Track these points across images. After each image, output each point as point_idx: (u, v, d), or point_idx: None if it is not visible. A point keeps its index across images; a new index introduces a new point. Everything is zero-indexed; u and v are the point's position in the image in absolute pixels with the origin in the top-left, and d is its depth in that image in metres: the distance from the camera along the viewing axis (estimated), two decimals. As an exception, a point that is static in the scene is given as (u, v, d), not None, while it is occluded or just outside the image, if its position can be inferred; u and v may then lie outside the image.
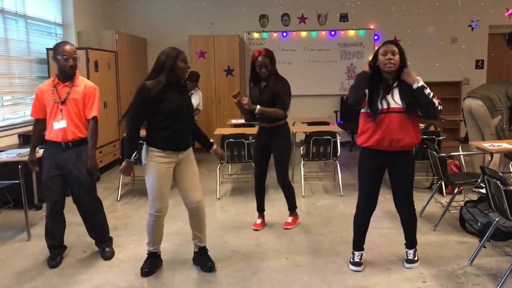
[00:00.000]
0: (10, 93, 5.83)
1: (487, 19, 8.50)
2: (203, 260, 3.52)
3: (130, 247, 3.96)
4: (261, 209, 4.51)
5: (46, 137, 3.59)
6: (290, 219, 4.49)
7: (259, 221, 4.48)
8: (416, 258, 3.49)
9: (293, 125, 7.04)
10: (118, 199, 5.49)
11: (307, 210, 4.98)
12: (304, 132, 5.98)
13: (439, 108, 3.15)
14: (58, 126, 3.51)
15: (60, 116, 3.51)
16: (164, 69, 3.15)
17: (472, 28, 8.53)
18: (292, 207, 4.51)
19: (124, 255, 3.81)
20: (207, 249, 3.57)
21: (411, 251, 3.50)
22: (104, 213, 3.85)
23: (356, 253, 3.50)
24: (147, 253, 3.50)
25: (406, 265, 3.47)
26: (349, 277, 3.34)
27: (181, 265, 3.59)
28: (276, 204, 5.04)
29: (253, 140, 6.17)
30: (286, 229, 4.38)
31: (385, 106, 3.17)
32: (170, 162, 3.28)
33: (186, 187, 3.37)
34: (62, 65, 3.51)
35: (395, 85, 3.21)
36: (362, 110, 3.32)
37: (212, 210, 5.02)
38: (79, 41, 7.27)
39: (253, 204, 4.54)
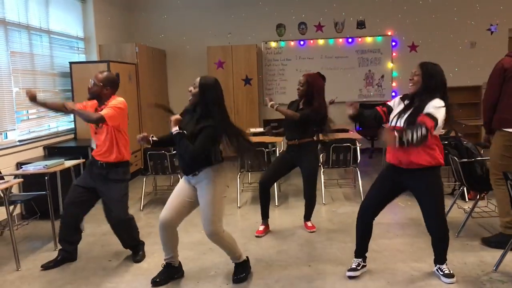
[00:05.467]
0: (35, 107, 5.98)
1: (507, 22, 8.41)
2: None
3: (154, 256, 4.02)
4: (266, 215, 4.53)
5: (92, 154, 3.89)
6: (310, 223, 4.56)
7: (261, 227, 4.51)
8: (452, 272, 3.34)
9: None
10: (141, 208, 5.58)
11: (328, 217, 4.99)
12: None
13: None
14: (94, 147, 3.84)
15: (95, 139, 3.80)
16: None
17: (492, 32, 8.45)
18: (310, 216, 4.59)
19: (148, 264, 3.88)
20: (240, 263, 3.49)
21: (444, 266, 3.35)
22: (134, 224, 3.99)
23: (355, 260, 3.47)
24: (162, 264, 3.52)
25: (445, 280, 3.28)
26: (371, 284, 3.34)
27: (205, 274, 3.63)
28: (296, 212, 5.06)
29: (273, 149, 6.22)
30: (312, 232, 4.45)
31: (393, 124, 3.20)
32: (185, 180, 3.42)
33: (201, 216, 3.34)
34: None
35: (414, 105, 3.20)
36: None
37: (233, 218, 5.07)
38: (101, 54, 7.43)
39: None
